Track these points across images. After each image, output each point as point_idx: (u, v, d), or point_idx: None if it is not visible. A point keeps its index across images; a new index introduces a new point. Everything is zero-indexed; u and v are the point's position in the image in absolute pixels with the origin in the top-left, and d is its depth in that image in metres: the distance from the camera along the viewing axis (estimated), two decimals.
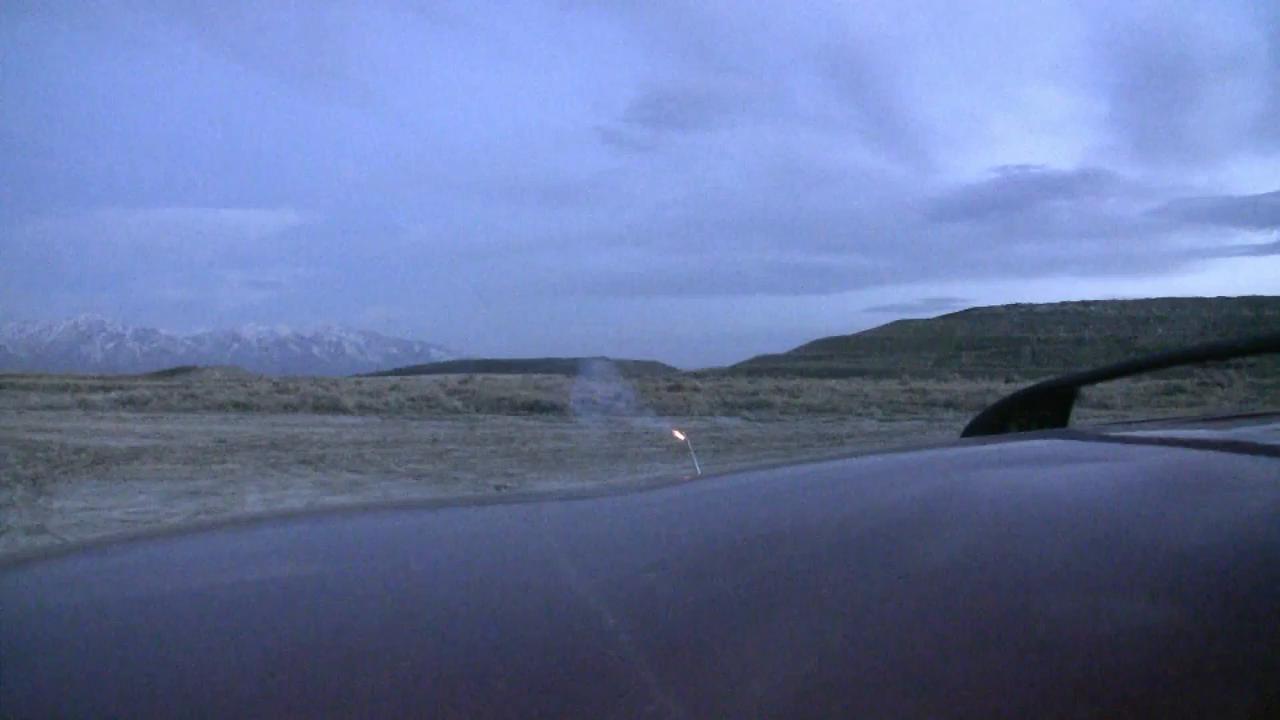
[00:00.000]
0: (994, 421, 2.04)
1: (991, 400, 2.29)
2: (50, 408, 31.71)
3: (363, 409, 29.93)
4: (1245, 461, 1.14)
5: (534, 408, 29.15)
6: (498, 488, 12.83)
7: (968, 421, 2.13)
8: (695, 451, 2.46)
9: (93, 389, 45.47)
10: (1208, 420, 1.84)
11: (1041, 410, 2.01)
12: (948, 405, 31.15)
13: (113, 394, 38.49)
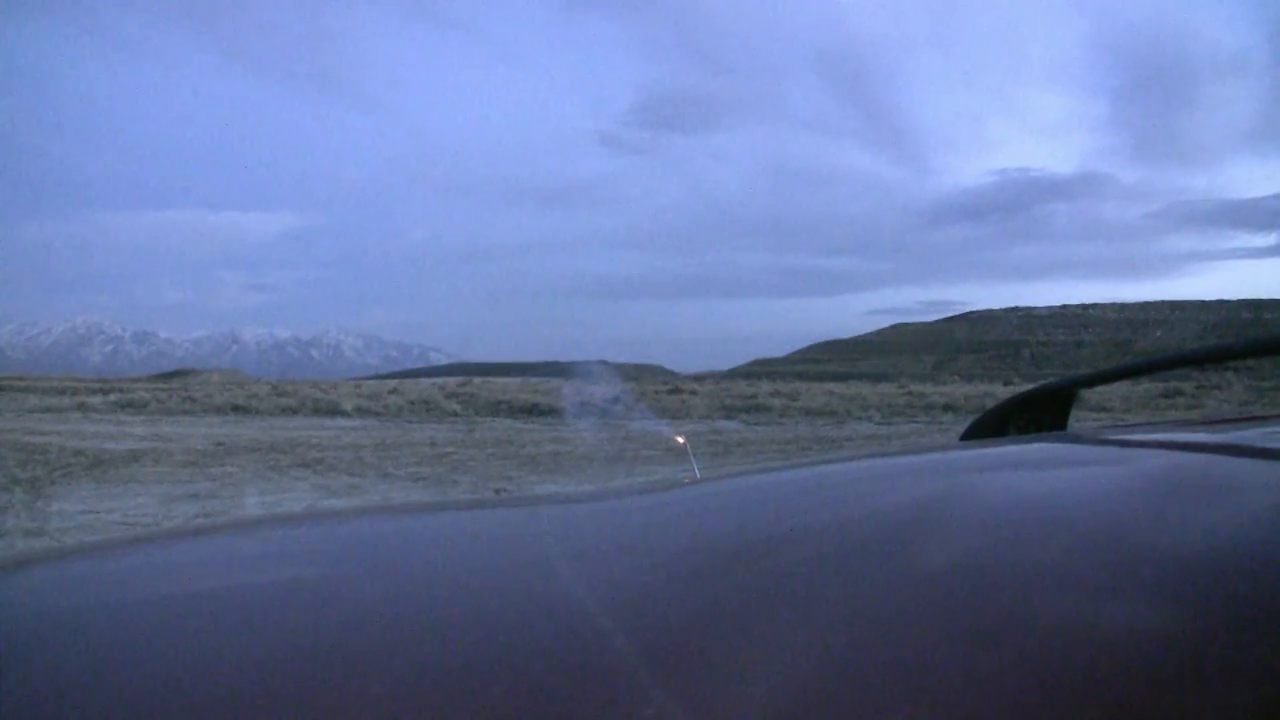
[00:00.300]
0: (993, 424, 2.04)
1: (990, 403, 2.29)
2: (49, 410, 31.73)
3: (361, 412, 29.95)
4: (1244, 465, 1.14)
5: (532, 411, 29.17)
6: (496, 491, 12.83)
7: (966, 425, 2.13)
8: (693, 455, 2.46)
9: (91, 392, 45.53)
10: (1207, 423, 1.84)
11: (1040, 413, 2.01)
12: (946, 408, 31.15)
13: (111, 397, 38.53)
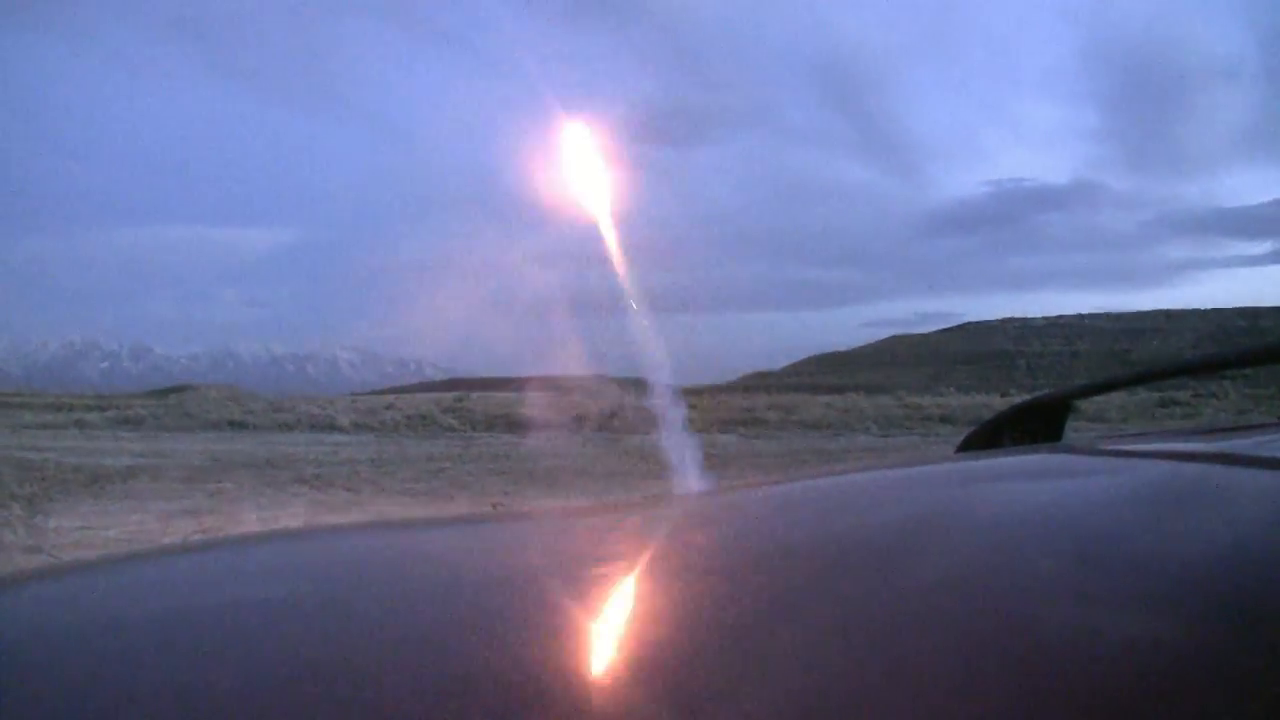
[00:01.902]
0: (989, 436, 2.04)
1: (987, 415, 2.29)
2: (45, 427, 31.55)
3: (358, 427, 29.87)
4: (1239, 474, 1.14)
5: (529, 425, 29.12)
6: (493, 506, 12.81)
7: (963, 436, 2.13)
8: (689, 470, 2.46)
9: (88, 408, 45.29)
10: (1202, 433, 1.84)
11: (1036, 424, 2.01)
12: (943, 420, 31.11)
13: (108, 413, 38.36)
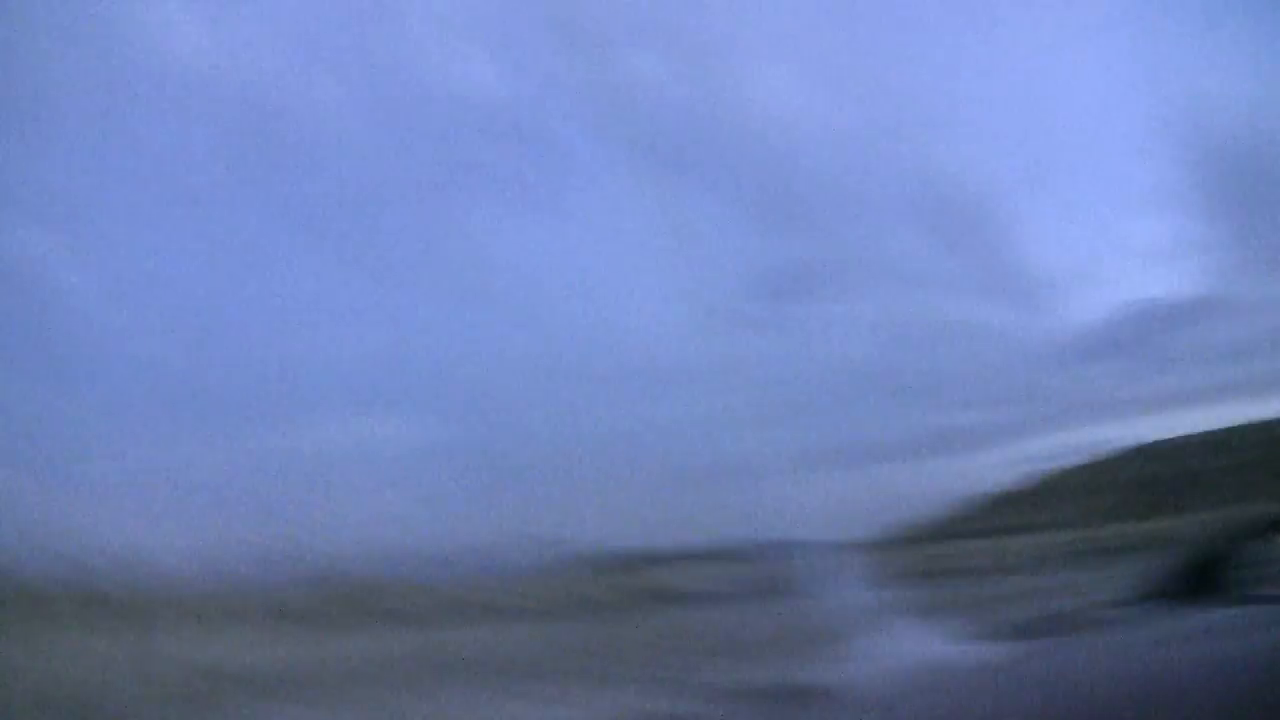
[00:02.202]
0: (1170, 582, 2.22)
1: (1156, 546, 2.60)
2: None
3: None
4: None
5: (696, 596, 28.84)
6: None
7: (1139, 577, 2.43)
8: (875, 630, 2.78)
9: None
10: None
11: (1211, 572, 2.12)
12: (1106, 551, 30.32)
13: None
